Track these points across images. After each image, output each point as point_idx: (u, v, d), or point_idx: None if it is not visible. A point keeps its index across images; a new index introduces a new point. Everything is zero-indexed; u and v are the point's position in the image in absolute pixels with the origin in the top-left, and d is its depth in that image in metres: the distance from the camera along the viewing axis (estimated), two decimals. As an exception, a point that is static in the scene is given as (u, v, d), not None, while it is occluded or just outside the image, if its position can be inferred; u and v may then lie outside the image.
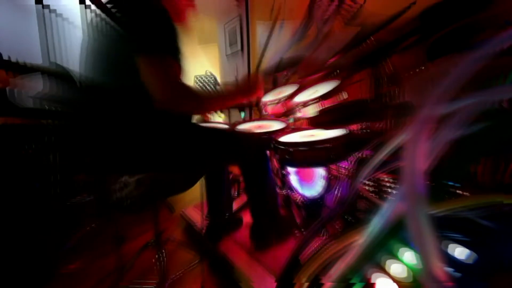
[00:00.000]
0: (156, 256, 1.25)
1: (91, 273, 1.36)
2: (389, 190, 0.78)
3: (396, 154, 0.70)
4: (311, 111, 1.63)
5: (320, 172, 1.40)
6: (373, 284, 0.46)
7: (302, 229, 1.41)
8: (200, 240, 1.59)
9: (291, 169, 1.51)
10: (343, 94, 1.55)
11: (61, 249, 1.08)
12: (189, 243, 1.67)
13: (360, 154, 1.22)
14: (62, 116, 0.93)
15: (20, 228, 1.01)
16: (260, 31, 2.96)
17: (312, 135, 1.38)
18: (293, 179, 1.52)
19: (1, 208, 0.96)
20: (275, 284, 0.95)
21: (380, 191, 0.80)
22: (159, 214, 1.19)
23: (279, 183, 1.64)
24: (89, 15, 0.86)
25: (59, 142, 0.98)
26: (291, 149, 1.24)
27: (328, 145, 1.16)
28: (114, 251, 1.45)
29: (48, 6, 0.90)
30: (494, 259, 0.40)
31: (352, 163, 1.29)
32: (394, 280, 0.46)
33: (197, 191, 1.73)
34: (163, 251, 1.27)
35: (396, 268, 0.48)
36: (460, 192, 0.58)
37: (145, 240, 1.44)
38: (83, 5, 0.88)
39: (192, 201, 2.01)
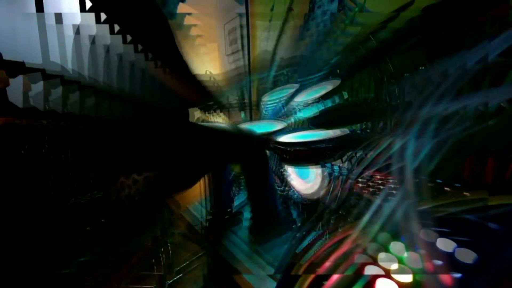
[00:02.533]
0: (162, 249, 1.33)
1: (99, 266, 1.38)
2: (382, 187, 0.81)
3: (388, 153, 0.72)
4: (311, 111, 1.64)
5: (317, 170, 1.45)
6: (373, 283, 0.47)
7: (300, 225, 1.47)
8: (203, 234, 1.67)
9: (289, 168, 1.58)
10: (343, 94, 1.56)
11: (70, 244, 1.11)
12: (193, 238, 1.73)
13: (355, 153, 1.28)
14: (65, 117, 0.95)
15: (24, 228, 1.02)
16: (260, 31, 2.96)
17: (311, 135, 1.42)
18: (291, 177, 1.59)
19: (3, 209, 0.96)
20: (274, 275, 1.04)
21: (374, 189, 0.82)
22: (165, 210, 1.27)
23: (278, 181, 1.71)
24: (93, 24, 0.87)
25: (69, 142, 1.01)
26: (289, 149, 1.31)
27: (324, 145, 1.24)
28: (122, 245, 1.49)
29: (60, 19, 0.92)
30: (494, 259, 0.40)
31: (347, 162, 1.34)
32: (394, 279, 0.46)
33: (201, 188, 1.84)
34: (168, 245, 1.36)
35: (395, 268, 0.48)
36: (448, 189, 0.59)
37: (151, 234, 1.47)
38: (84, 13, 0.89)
39: (196, 198, 2.06)
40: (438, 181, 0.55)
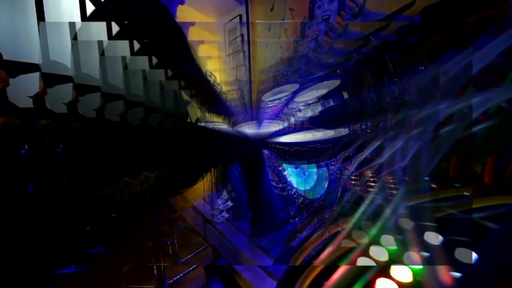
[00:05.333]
0: (169, 242, 1.46)
1: (113, 255, 1.47)
2: (374, 184, 0.84)
3: (379, 152, 0.75)
4: (311, 111, 1.64)
5: (312, 168, 1.52)
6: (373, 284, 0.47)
7: (296, 218, 1.56)
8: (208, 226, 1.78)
9: (286, 166, 1.66)
10: (344, 94, 1.56)
11: (89, 233, 1.16)
12: (199, 230, 1.82)
13: (347, 153, 1.33)
14: (68, 118, 0.97)
15: (28, 226, 1.03)
16: (260, 31, 2.96)
17: (308, 135, 1.50)
18: (288, 175, 1.68)
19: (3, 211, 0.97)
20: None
21: (366, 186, 0.87)
22: (173, 204, 1.40)
23: (276, 178, 1.80)
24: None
25: (84, 143, 1.05)
26: (286, 148, 1.41)
27: (319, 145, 1.32)
28: (134, 235, 1.60)
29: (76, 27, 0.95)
30: (494, 260, 0.40)
31: (341, 160, 1.39)
32: (394, 279, 0.46)
33: (206, 185, 2.04)
34: (175, 237, 1.48)
35: (385, 259, 0.50)
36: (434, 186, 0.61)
37: (160, 227, 1.58)
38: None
39: (202, 194, 2.21)
40: (426, 178, 0.56)
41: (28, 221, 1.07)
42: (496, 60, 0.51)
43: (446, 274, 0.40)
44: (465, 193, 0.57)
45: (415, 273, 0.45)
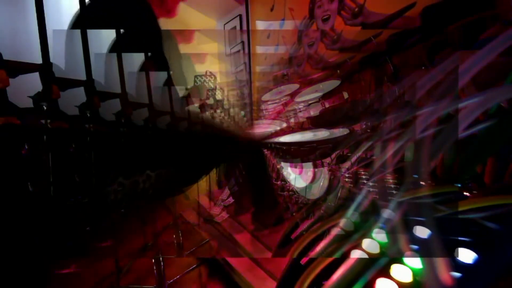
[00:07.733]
0: (173, 236, 1.52)
1: (120, 249, 1.53)
2: (366, 181, 0.87)
3: (371, 152, 0.78)
4: (311, 111, 1.65)
5: (309, 166, 1.55)
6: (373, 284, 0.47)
7: (294, 213, 1.60)
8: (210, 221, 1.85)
9: (285, 164, 1.70)
10: (344, 94, 1.57)
11: (97, 229, 1.20)
12: (201, 225, 1.89)
13: (341, 152, 1.36)
14: (69, 119, 0.99)
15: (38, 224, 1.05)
16: (260, 31, 2.95)
17: (307, 135, 1.53)
18: (287, 172, 1.72)
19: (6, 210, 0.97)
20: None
21: (359, 183, 0.90)
22: (176, 201, 1.46)
23: (274, 175, 1.83)
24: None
25: (91, 144, 1.08)
26: (285, 147, 1.47)
27: (315, 144, 1.36)
28: (140, 230, 1.68)
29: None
30: (495, 259, 0.40)
31: (335, 159, 1.41)
32: (394, 279, 0.46)
33: (207, 184, 2.11)
34: (179, 231, 1.54)
35: (377, 252, 0.53)
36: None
37: (164, 222, 1.67)
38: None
39: (203, 191, 2.28)
40: (415, 176, 0.58)
41: (28, 221, 1.07)
42: (496, 60, 0.51)
43: (446, 274, 0.40)
44: (453, 191, 0.58)
45: (415, 273, 0.45)
